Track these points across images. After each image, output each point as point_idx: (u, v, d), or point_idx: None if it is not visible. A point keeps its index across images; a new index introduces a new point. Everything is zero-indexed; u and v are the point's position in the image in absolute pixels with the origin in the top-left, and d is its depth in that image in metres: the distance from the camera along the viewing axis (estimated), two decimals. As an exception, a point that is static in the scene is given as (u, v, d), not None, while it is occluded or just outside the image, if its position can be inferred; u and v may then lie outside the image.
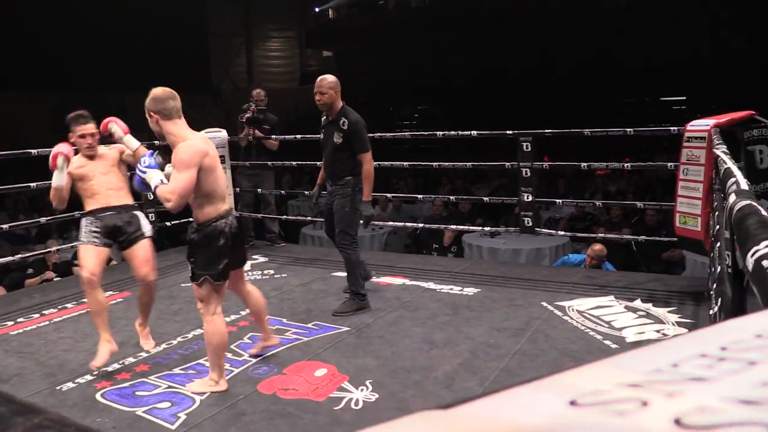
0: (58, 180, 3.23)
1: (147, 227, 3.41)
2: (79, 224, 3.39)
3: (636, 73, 14.97)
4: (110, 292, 4.61)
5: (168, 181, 2.73)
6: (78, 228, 3.50)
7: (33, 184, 4.72)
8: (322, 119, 4.08)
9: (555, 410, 0.31)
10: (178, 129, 2.76)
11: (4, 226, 4.66)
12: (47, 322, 4.05)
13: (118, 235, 3.32)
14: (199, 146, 2.71)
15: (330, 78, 3.96)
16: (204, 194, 2.74)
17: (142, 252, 3.33)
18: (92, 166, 3.32)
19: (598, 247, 5.12)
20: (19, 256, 5.10)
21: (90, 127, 3.32)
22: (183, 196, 2.68)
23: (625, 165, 5.07)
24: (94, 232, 3.26)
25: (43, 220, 5.51)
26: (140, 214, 3.44)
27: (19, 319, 4.12)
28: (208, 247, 2.78)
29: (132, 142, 3.35)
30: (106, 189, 3.31)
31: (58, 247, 5.59)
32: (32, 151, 4.57)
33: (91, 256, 3.23)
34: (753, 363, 0.34)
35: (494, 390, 0.35)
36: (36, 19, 13.54)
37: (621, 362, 0.37)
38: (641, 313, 3.79)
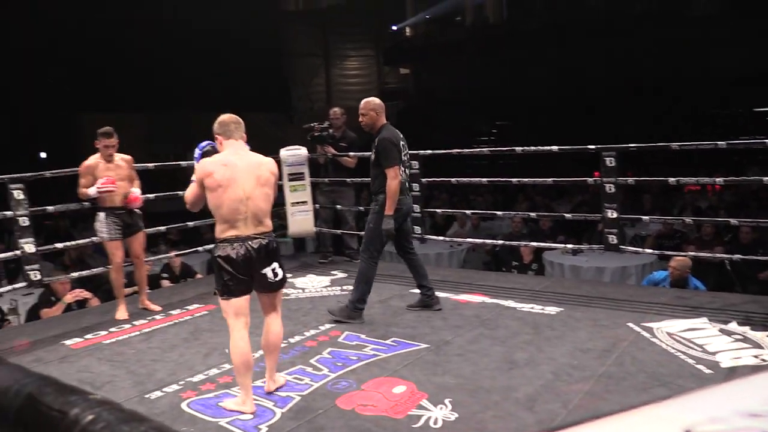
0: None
1: (142, 224, 4.68)
2: (97, 218, 4.50)
3: (726, 84, 14.26)
4: (196, 305, 4.80)
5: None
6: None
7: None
8: None
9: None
10: (225, 147, 2.98)
11: (95, 239, 4.87)
12: (137, 333, 4.23)
13: (126, 228, 4.53)
14: (206, 166, 2.89)
15: (372, 100, 4.24)
16: (213, 210, 2.89)
17: (139, 239, 4.64)
18: (113, 174, 4.44)
19: (680, 257, 4.85)
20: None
21: (113, 141, 4.46)
22: (189, 202, 2.98)
23: (718, 180, 4.78)
24: (116, 227, 4.47)
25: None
26: (139, 213, 4.66)
27: (112, 329, 4.33)
28: (214, 262, 2.93)
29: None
30: (122, 193, 4.47)
31: (150, 259, 5.82)
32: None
33: (118, 247, 4.50)
34: None
35: (598, 415, 0.33)
36: (125, 45, 14.34)
37: (733, 389, 0.35)
38: (737, 336, 3.56)
